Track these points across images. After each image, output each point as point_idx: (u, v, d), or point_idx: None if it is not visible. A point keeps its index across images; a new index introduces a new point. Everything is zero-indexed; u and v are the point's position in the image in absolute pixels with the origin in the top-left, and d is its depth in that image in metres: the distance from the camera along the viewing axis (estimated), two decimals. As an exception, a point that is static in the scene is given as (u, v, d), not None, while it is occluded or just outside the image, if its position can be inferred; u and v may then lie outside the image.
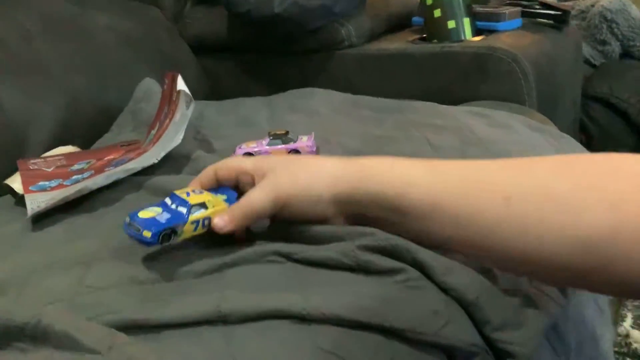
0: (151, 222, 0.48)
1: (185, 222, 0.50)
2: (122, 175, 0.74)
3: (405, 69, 1.17)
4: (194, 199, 0.51)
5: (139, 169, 0.75)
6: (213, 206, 0.52)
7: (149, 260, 0.56)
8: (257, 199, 0.52)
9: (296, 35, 1.20)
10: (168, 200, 0.51)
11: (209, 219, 0.51)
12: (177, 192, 0.52)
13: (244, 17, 1.19)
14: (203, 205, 0.51)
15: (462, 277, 0.49)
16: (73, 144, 0.98)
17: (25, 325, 0.42)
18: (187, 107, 0.79)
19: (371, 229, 0.52)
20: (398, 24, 1.37)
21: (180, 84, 0.79)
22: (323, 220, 0.53)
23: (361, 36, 1.22)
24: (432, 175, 0.48)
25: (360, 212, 0.52)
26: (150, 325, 0.46)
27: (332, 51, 1.21)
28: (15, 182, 0.81)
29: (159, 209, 0.50)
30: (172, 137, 0.78)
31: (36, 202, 0.70)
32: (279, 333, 0.44)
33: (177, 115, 0.80)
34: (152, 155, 0.77)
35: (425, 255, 0.50)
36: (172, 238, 0.49)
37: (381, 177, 0.50)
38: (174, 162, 0.79)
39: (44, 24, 1.10)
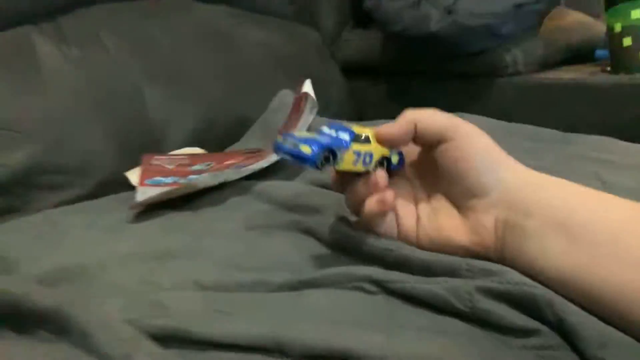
0: (311, 141, 0.41)
1: (347, 148, 0.43)
2: (231, 177, 0.68)
3: (580, 101, 0.99)
4: (357, 129, 0.45)
5: (250, 172, 0.69)
6: (376, 145, 0.45)
7: (222, 262, 0.48)
8: None
9: (453, 57, 1.08)
10: (326, 128, 0.44)
11: (371, 156, 0.44)
12: (339, 123, 0.48)
13: (398, 37, 1.11)
14: (367, 140, 0.44)
15: (623, 354, 0.34)
16: (206, 149, 0.96)
17: (47, 313, 0.36)
18: (311, 111, 0.72)
19: (502, 267, 0.39)
20: (577, 57, 1.19)
21: (307, 87, 0.72)
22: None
23: (529, 64, 1.07)
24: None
25: (517, 219, 0.41)
26: (197, 340, 0.37)
27: (492, 78, 1.07)
28: (134, 175, 0.79)
29: (315, 135, 0.43)
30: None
31: (146, 194, 0.66)
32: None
33: (301, 121, 0.72)
34: (266, 160, 0.70)
35: (577, 317, 0.36)
36: (331, 162, 0.42)
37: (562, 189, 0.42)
38: (287, 170, 0.71)
39: (197, 33, 1.12)
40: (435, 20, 1.02)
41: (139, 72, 1.01)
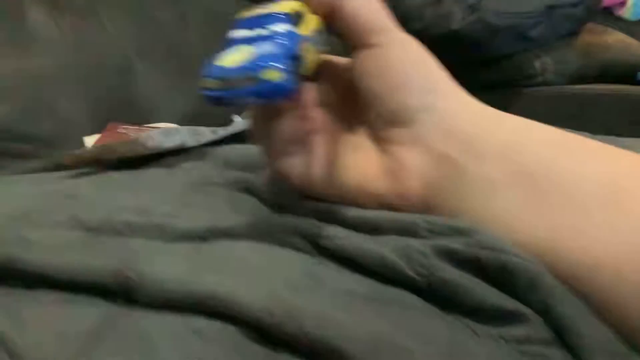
0: (264, 58, 0.28)
1: (301, 39, 0.30)
2: (188, 141, 0.58)
3: (620, 113, 0.87)
4: (281, 6, 0.32)
5: (208, 139, 0.59)
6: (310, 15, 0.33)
7: (123, 207, 0.38)
8: None
9: (476, 60, 0.98)
10: (244, 31, 0.31)
11: (319, 32, 0.32)
12: (249, 13, 0.32)
13: (418, 36, 1.01)
14: (298, 16, 0.32)
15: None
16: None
17: None
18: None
19: (473, 226, 0.28)
20: (614, 76, 1.06)
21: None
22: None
23: (561, 74, 0.95)
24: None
25: (461, 161, 0.30)
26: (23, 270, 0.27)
27: (519, 87, 0.96)
28: (91, 139, 0.71)
29: (246, 47, 0.30)
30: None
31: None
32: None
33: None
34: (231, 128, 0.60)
35: (571, 309, 0.25)
36: (297, 68, 0.30)
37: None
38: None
39: (203, 13, 1.06)
40: (458, 18, 0.92)
41: (132, 45, 0.95)
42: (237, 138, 0.61)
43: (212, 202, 0.40)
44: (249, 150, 0.52)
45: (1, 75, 0.83)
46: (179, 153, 0.59)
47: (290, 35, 0.30)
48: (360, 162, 0.33)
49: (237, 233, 0.33)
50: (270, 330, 0.22)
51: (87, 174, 0.54)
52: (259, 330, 0.23)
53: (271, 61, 0.28)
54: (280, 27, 0.30)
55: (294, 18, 0.31)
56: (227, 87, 0.28)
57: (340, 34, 0.33)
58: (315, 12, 0.32)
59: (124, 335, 0.22)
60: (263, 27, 0.31)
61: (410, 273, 0.27)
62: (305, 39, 0.31)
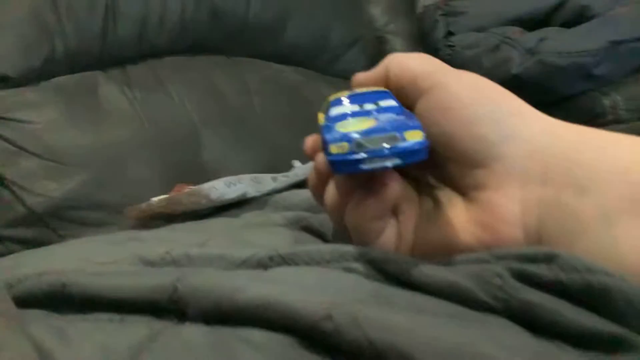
0: (397, 123, 0.27)
1: (406, 111, 0.29)
2: (250, 191, 0.59)
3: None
4: (372, 88, 0.32)
5: (271, 188, 0.59)
6: None
7: (183, 243, 0.38)
8: None
9: (541, 103, 0.95)
10: (351, 106, 0.30)
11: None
12: (345, 93, 0.31)
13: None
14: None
15: None
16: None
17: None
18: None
19: (548, 249, 0.25)
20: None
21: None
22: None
23: (633, 110, 0.91)
24: None
25: (562, 197, 0.26)
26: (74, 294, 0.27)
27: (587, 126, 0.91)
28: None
29: (364, 118, 0.28)
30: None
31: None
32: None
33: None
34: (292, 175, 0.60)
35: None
36: None
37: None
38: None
39: (266, 85, 1.10)
40: (517, 63, 0.91)
41: (199, 116, 0.99)
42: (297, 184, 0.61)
43: (272, 237, 0.39)
44: (309, 195, 0.51)
45: (76, 148, 0.88)
46: (242, 205, 0.59)
47: (396, 108, 0.29)
48: (444, 219, 0.29)
49: (300, 260, 0.31)
50: (327, 337, 0.20)
51: (153, 226, 0.55)
52: (315, 340, 0.21)
53: (410, 124, 0.27)
54: (390, 103, 0.29)
55: (393, 95, 0.30)
56: (364, 150, 0.26)
57: (405, 99, 0.31)
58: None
59: (167, 347, 0.21)
60: (372, 103, 0.30)
61: (485, 298, 0.24)
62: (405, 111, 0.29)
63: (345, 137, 0.26)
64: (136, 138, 0.93)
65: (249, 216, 0.54)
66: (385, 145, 0.25)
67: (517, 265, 0.25)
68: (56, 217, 0.83)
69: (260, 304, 0.21)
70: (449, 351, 0.19)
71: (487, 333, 0.22)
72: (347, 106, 0.29)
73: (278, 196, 0.55)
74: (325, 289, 0.26)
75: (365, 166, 0.26)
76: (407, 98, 0.30)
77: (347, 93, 0.31)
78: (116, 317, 0.25)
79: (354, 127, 0.27)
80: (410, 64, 0.30)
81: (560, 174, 0.26)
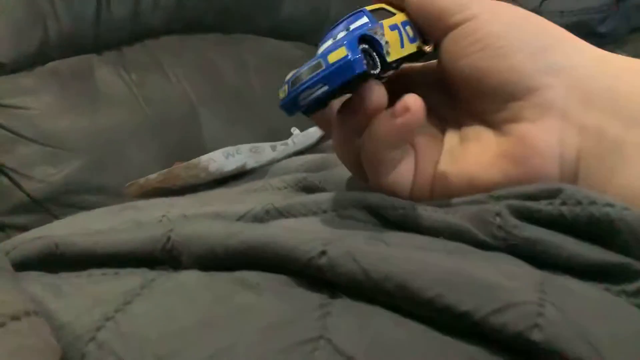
0: (332, 46, 0.26)
1: (379, 25, 0.27)
2: (249, 162, 0.57)
3: None
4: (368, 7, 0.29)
5: (270, 158, 0.58)
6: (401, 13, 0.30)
7: (186, 206, 0.37)
8: None
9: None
10: (329, 40, 0.28)
11: (410, 25, 0.29)
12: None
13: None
14: (388, 12, 0.29)
15: None
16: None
17: None
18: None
19: (551, 184, 0.24)
20: None
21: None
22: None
23: None
24: None
25: (609, 130, 0.25)
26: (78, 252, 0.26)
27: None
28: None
29: (326, 45, 0.27)
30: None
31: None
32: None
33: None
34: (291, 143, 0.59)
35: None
36: (377, 62, 0.26)
37: None
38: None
39: (265, 62, 1.08)
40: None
41: (197, 96, 0.98)
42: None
43: (269, 196, 0.38)
44: (308, 159, 0.50)
45: (74, 132, 0.87)
46: (241, 176, 0.58)
47: (364, 25, 0.27)
48: (470, 154, 0.27)
49: (296, 211, 0.30)
50: (323, 273, 0.19)
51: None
52: (310, 277, 0.20)
53: (333, 48, 0.25)
54: (358, 22, 0.28)
55: (376, 13, 0.28)
56: (294, 87, 0.25)
57: (422, 29, 0.29)
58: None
59: (162, 290, 0.20)
60: (343, 28, 0.28)
61: (485, 237, 0.23)
62: (380, 25, 0.27)
63: (286, 81, 0.26)
64: (134, 120, 0.92)
65: (247, 185, 0.53)
66: (311, 75, 0.25)
67: (517, 203, 0.24)
68: (56, 202, 0.83)
69: (254, 244, 0.20)
70: (448, 277, 0.18)
71: (487, 262, 0.21)
72: (327, 41, 0.28)
73: (277, 165, 0.54)
74: (319, 232, 0.25)
75: (302, 102, 0.25)
76: (430, 29, 0.28)
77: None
78: (110, 271, 0.24)
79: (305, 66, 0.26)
80: None
81: (605, 105, 0.24)
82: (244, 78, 1.05)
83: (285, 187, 0.41)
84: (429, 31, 0.29)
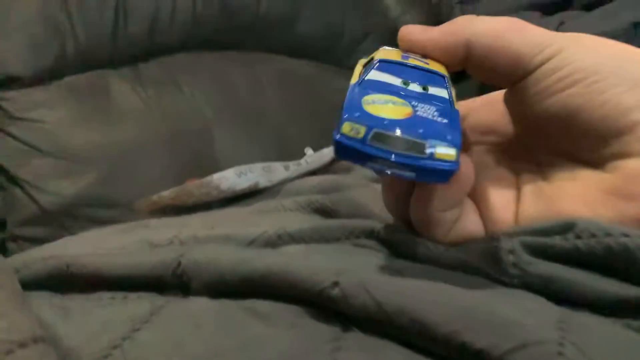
0: (435, 130, 0.22)
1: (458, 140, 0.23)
2: (261, 181, 0.57)
3: None
4: (432, 64, 0.26)
5: (283, 178, 0.58)
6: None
7: (198, 226, 0.36)
8: None
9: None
10: (389, 77, 0.25)
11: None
12: (391, 54, 0.26)
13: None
14: (449, 80, 0.26)
15: None
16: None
17: None
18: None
19: (565, 220, 0.23)
20: None
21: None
22: None
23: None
24: None
25: None
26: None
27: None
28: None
29: (400, 102, 0.24)
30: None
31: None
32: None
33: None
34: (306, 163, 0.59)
35: None
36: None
37: None
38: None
39: (278, 79, 1.08)
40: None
41: (211, 112, 0.98)
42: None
43: (281, 220, 0.38)
44: (322, 180, 0.50)
45: (88, 146, 0.87)
46: (253, 195, 0.58)
47: (452, 106, 0.24)
48: (568, 194, 0.25)
49: (308, 237, 0.30)
50: (335, 304, 0.19)
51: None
52: (322, 308, 0.19)
53: (448, 137, 0.22)
54: (441, 93, 0.25)
55: (449, 83, 0.25)
56: (379, 146, 0.21)
57: (485, 77, 0.27)
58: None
59: (170, 317, 0.20)
60: (420, 84, 0.25)
61: (499, 276, 0.23)
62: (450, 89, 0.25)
63: (366, 120, 0.21)
64: (148, 135, 0.92)
65: (259, 205, 0.52)
66: (407, 153, 0.21)
67: (530, 239, 0.23)
68: (69, 215, 0.83)
69: (265, 273, 0.20)
70: (464, 313, 0.18)
71: (505, 297, 0.21)
72: (389, 76, 0.24)
73: (290, 184, 0.54)
74: (332, 261, 0.25)
75: (373, 165, 0.22)
76: (498, 77, 0.26)
77: (398, 56, 0.26)
78: (119, 294, 0.24)
79: (383, 112, 0.22)
80: (510, 39, 0.25)
81: None
82: (258, 95, 1.05)
83: (298, 209, 0.41)
84: (494, 78, 0.26)
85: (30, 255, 0.36)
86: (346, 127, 0.22)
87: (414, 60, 0.26)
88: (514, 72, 0.25)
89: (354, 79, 0.26)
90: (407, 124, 0.22)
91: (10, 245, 0.83)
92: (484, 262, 0.23)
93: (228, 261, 0.21)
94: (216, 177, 0.56)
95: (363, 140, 0.21)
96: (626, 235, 0.21)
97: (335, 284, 0.19)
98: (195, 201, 0.56)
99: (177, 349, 0.19)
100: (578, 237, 0.22)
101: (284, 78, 1.09)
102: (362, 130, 0.21)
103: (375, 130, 0.21)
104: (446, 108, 0.24)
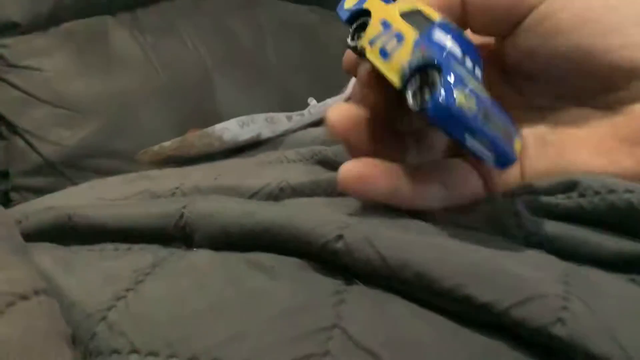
0: (509, 123, 0.22)
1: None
2: (264, 132, 0.57)
3: None
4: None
5: (287, 128, 0.57)
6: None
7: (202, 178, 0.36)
8: None
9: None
10: (454, 45, 0.23)
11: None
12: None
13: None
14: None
15: None
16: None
17: None
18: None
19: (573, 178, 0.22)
20: None
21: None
22: None
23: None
24: None
25: None
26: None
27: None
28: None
29: (475, 82, 0.22)
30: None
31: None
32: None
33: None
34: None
35: None
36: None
37: None
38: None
39: (281, 26, 1.06)
40: None
41: (212, 60, 0.96)
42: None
43: (284, 171, 0.37)
44: (324, 131, 0.49)
45: (88, 96, 0.86)
46: (256, 146, 0.57)
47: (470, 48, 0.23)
48: (575, 141, 0.24)
49: (310, 190, 0.30)
50: (339, 257, 0.19)
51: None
52: (326, 261, 0.19)
53: (513, 128, 0.22)
54: (478, 71, 0.23)
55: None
56: (486, 126, 0.20)
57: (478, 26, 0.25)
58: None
59: (172, 269, 0.20)
60: (470, 59, 0.23)
61: (501, 237, 0.22)
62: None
63: (475, 94, 0.20)
64: (148, 84, 0.91)
65: (262, 156, 0.52)
66: (503, 138, 0.21)
67: (532, 199, 0.23)
68: (71, 165, 0.83)
69: (269, 225, 0.20)
70: (469, 267, 0.18)
71: (510, 252, 0.20)
72: (450, 42, 0.22)
73: (292, 135, 0.54)
74: (336, 214, 0.24)
75: (469, 140, 0.21)
76: (496, 22, 0.25)
77: (442, 19, 0.23)
78: (122, 246, 0.24)
79: (474, 85, 0.21)
80: None
81: None
82: (260, 43, 1.03)
83: (300, 160, 0.41)
84: (493, 26, 0.25)
85: (32, 206, 0.36)
86: (460, 98, 0.20)
87: (453, 24, 0.24)
88: (507, 19, 0.24)
89: (412, 35, 0.23)
90: (497, 107, 0.21)
91: (14, 195, 0.83)
92: (488, 226, 0.23)
93: (231, 213, 0.21)
94: (218, 127, 0.55)
95: (475, 117, 0.20)
96: (630, 191, 0.21)
97: (339, 237, 0.19)
98: (197, 152, 0.55)
99: (180, 302, 0.19)
100: (581, 195, 0.22)
101: (285, 25, 1.07)
102: (473, 103, 0.20)
103: (484, 108, 0.20)
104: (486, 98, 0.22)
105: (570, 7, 0.23)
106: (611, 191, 0.21)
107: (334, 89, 0.92)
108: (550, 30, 0.23)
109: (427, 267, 0.18)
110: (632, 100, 0.23)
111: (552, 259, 0.21)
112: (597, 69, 0.23)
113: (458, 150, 0.26)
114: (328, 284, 0.19)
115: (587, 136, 0.24)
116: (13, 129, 0.84)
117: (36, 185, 0.82)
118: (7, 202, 0.82)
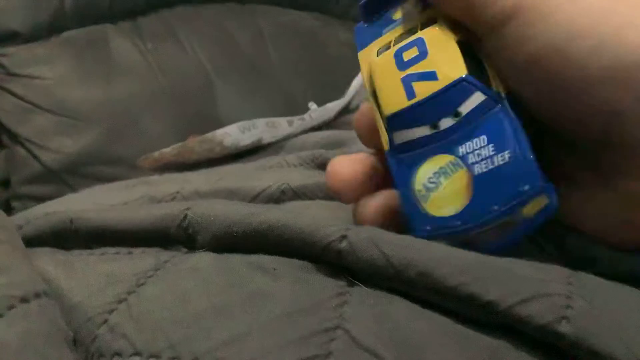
0: (505, 178, 0.19)
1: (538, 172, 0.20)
2: (266, 136, 0.57)
3: None
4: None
5: (286, 133, 0.57)
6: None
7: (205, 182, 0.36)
8: None
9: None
10: (418, 127, 0.20)
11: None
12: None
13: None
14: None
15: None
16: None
17: None
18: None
19: None
20: None
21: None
22: None
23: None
24: None
25: None
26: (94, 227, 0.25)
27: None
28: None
29: (447, 167, 0.20)
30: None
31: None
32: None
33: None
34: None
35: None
36: None
37: None
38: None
39: (281, 32, 1.06)
40: None
41: (212, 66, 0.97)
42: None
43: (285, 174, 0.37)
44: (325, 135, 0.49)
45: (89, 102, 0.87)
46: (257, 151, 0.57)
47: (505, 110, 0.18)
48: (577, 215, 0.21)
49: (312, 193, 0.30)
50: (342, 258, 0.19)
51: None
52: (329, 263, 0.19)
53: (524, 186, 0.18)
54: (477, 99, 0.19)
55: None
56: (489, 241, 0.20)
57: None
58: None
59: (174, 271, 0.20)
60: (448, 112, 0.19)
61: None
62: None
63: (438, 230, 0.20)
64: (149, 90, 0.91)
65: (263, 160, 0.52)
66: (506, 232, 0.19)
67: None
68: (72, 173, 0.83)
69: (274, 224, 0.20)
70: (473, 266, 0.18)
71: (514, 255, 0.20)
72: (414, 129, 0.19)
73: (293, 140, 0.54)
74: (338, 219, 0.24)
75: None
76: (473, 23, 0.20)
77: (404, 105, 0.20)
78: (124, 250, 0.24)
79: (443, 205, 0.19)
80: None
81: None
82: (260, 48, 1.03)
83: (302, 164, 0.41)
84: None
85: (33, 212, 0.36)
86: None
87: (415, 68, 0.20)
88: (474, 25, 0.20)
89: (385, 141, 0.21)
90: (475, 205, 0.19)
91: (15, 203, 0.83)
92: None
93: (235, 214, 0.21)
94: (219, 133, 0.55)
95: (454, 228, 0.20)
96: None
97: (344, 237, 0.19)
98: (197, 158, 0.55)
99: (182, 304, 0.18)
100: None
101: (286, 31, 1.07)
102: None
103: (459, 236, 0.20)
104: (497, 120, 0.18)
105: (537, 38, 0.19)
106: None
107: (334, 94, 0.92)
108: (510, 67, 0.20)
109: (430, 266, 0.18)
110: (615, 174, 0.19)
111: (556, 261, 0.21)
112: (572, 129, 0.19)
113: None
114: (330, 286, 0.19)
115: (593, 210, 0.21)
116: (14, 137, 0.84)
117: (37, 193, 0.82)
118: (9, 210, 0.82)
